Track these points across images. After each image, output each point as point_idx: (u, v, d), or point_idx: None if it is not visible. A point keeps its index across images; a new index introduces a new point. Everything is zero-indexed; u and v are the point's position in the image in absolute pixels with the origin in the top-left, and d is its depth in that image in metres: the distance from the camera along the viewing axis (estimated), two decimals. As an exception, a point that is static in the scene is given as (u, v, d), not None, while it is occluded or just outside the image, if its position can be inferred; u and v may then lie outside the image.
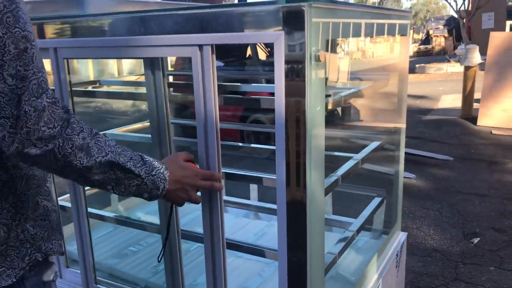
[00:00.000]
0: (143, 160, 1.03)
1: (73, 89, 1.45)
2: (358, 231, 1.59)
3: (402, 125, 1.93)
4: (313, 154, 1.07)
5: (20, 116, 0.85)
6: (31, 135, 0.86)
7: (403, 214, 3.87)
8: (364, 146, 1.78)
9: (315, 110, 1.06)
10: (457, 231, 3.66)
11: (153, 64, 1.48)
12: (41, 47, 1.16)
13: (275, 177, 1.10)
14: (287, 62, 1.01)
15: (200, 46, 1.12)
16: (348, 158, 1.67)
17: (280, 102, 1.04)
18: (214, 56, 1.14)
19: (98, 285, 1.61)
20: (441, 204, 4.20)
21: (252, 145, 2.20)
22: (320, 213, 1.16)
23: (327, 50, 1.07)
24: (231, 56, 6.28)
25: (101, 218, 1.90)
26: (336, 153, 1.75)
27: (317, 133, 1.10)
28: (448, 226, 3.76)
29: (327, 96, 1.72)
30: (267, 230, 2.10)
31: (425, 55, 19.88)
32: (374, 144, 1.77)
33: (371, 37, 1.46)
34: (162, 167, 1.07)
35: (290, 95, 1.03)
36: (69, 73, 1.42)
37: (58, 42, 1.39)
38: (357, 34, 1.30)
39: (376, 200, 1.85)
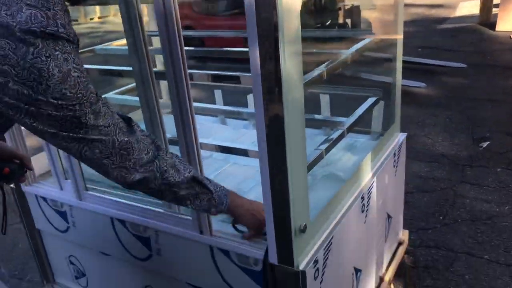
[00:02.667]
0: (207, 178, 1.22)
1: None
2: (349, 128, 1.56)
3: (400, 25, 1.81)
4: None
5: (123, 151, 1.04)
6: (137, 164, 1.05)
7: (411, 122, 3.81)
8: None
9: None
10: (467, 137, 3.61)
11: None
12: None
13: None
14: None
15: None
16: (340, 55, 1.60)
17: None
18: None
19: (88, 191, 1.64)
20: (452, 111, 4.12)
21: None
22: (298, 104, 1.12)
23: None
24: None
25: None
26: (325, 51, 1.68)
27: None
28: (457, 132, 3.71)
29: None
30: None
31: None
32: (366, 40, 1.69)
33: None
34: (221, 186, 1.26)
35: None
36: None
37: None
38: None
39: (371, 99, 1.80)
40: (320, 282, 1.37)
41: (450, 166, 3.17)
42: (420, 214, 2.62)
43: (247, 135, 2.16)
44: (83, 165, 1.73)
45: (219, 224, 1.44)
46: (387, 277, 2.05)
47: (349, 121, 1.60)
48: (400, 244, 2.26)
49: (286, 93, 1.04)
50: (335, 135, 1.53)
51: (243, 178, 1.75)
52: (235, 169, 1.85)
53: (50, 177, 1.88)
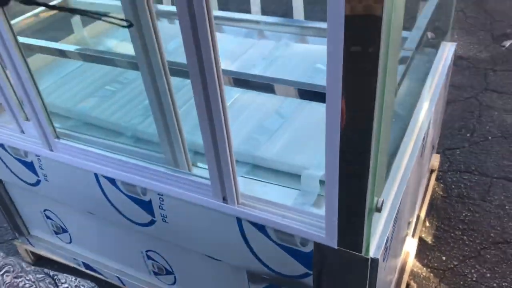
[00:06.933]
0: None
1: None
2: (418, 49, 1.14)
3: None
4: None
5: None
6: None
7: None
8: None
9: None
10: (485, 34, 3.20)
11: None
12: None
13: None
14: None
15: None
16: None
17: None
18: None
19: (61, 140, 1.22)
20: (465, 2, 3.63)
21: None
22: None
23: None
24: None
25: (61, 53, 1.42)
26: None
27: None
28: (474, 28, 3.28)
29: None
30: (277, 53, 1.63)
31: None
32: None
33: None
34: None
35: None
36: None
37: None
38: None
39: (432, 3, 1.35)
40: (386, 261, 1.05)
41: (470, 70, 2.81)
42: (444, 130, 2.31)
43: (254, 48, 1.69)
44: (49, 100, 1.29)
45: (251, 185, 1.07)
46: (422, 213, 1.78)
47: (414, 37, 1.17)
48: (432, 171, 1.97)
49: None
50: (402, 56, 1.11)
51: (265, 113, 1.34)
52: (250, 98, 1.43)
53: (3, 113, 1.42)
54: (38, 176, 1.37)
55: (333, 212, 0.89)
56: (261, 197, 1.03)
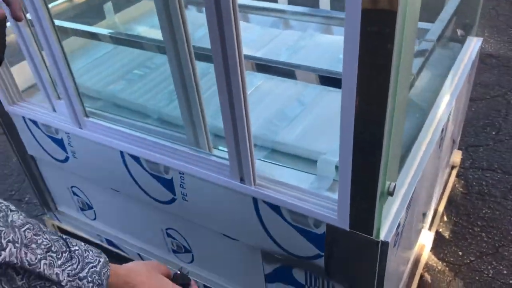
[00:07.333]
0: (69, 251, 0.68)
1: None
2: (439, 39, 1.14)
3: None
4: None
5: None
6: None
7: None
8: None
9: None
10: (517, 33, 3.14)
11: None
12: None
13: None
14: None
15: None
16: None
17: None
18: None
19: (90, 118, 1.28)
20: (497, 1, 3.57)
21: None
22: None
23: None
24: None
25: (93, 36, 1.48)
26: None
27: None
28: (506, 26, 3.22)
29: None
30: (302, 43, 1.66)
31: None
32: None
33: None
34: (98, 261, 0.71)
35: None
36: None
37: None
38: None
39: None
40: (398, 247, 1.08)
41: (500, 69, 2.77)
42: (468, 127, 2.29)
43: (279, 38, 1.72)
44: (80, 81, 1.35)
45: (269, 168, 1.10)
46: (440, 208, 1.78)
47: (437, 28, 1.18)
48: (453, 167, 1.96)
49: None
50: (420, 48, 1.12)
51: (286, 100, 1.37)
52: (272, 85, 1.46)
53: (37, 93, 1.50)
54: (67, 153, 1.44)
55: (345, 194, 0.91)
56: (279, 180, 1.06)
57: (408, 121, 1.16)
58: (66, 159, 1.47)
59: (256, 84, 1.46)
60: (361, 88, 0.75)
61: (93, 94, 1.50)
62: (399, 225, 1.00)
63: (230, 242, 1.26)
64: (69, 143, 1.40)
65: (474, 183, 1.99)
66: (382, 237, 0.95)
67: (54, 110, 1.41)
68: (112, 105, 1.47)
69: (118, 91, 1.49)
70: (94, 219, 1.69)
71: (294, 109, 1.33)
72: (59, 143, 1.43)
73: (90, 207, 1.64)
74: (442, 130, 1.25)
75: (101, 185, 1.48)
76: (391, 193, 0.90)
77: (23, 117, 1.47)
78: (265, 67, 1.21)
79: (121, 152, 1.28)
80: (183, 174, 1.18)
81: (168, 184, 1.24)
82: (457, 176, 2.01)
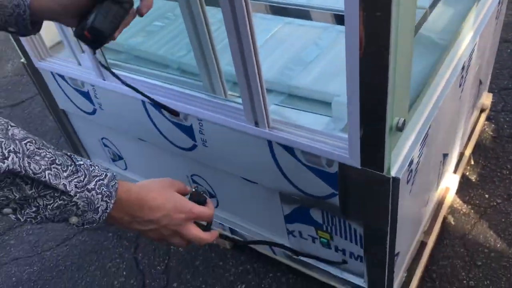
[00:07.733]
0: (74, 164, 0.67)
1: None
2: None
3: None
4: None
5: None
6: None
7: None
8: None
9: None
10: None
11: None
12: None
13: None
14: None
15: None
16: None
17: None
18: None
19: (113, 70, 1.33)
20: None
21: None
22: None
23: None
24: None
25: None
26: None
27: None
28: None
29: None
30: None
31: None
32: None
33: None
34: (105, 175, 0.70)
35: None
36: None
37: None
38: None
39: None
40: (412, 184, 1.08)
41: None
42: (502, 70, 2.20)
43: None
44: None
45: (286, 113, 1.12)
46: (467, 152, 1.75)
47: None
48: (482, 111, 1.91)
49: None
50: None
51: (303, 45, 1.36)
52: (290, 31, 1.45)
53: (63, 50, 1.55)
54: (94, 105, 1.50)
55: (355, 131, 0.92)
56: (295, 123, 1.08)
57: (425, 59, 1.14)
58: (94, 111, 1.53)
59: (274, 30, 1.45)
60: (364, 19, 0.74)
61: (115, 47, 1.54)
62: (411, 162, 1.00)
63: (250, 186, 1.30)
64: (95, 95, 1.46)
65: (505, 126, 1.94)
66: (393, 173, 0.96)
67: (79, 64, 1.46)
68: (133, 57, 1.50)
69: (139, 43, 1.52)
70: (125, 169, 1.77)
71: (310, 53, 1.32)
72: (86, 96, 1.50)
73: (121, 157, 1.72)
74: (463, 68, 1.22)
75: (129, 136, 1.54)
76: (400, 129, 0.90)
77: (51, 72, 1.53)
78: (279, 9, 1.20)
79: (143, 102, 1.32)
80: (201, 120, 1.22)
81: (188, 131, 1.28)
82: (488, 119, 1.96)
